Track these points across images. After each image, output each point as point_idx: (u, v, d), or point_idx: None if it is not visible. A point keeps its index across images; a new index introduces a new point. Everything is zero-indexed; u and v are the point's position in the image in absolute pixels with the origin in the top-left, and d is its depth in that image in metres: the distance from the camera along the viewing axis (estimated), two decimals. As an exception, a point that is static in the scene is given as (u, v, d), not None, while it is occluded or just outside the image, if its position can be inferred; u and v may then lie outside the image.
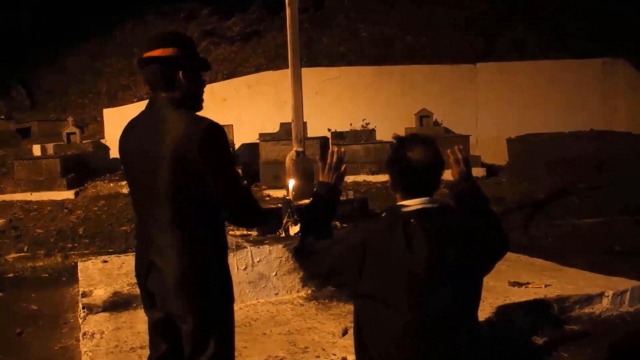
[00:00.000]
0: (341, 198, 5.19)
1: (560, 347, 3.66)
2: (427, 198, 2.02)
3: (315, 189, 2.27)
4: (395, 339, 1.96)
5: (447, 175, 2.26)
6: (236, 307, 4.11)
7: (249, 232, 4.60)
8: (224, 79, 13.04)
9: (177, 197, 2.02)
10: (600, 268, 4.90)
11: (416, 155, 2.00)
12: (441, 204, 2.06)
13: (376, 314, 1.99)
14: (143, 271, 2.14)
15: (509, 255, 5.19)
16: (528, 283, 4.39)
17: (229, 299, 2.19)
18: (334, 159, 2.23)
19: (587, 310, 4.10)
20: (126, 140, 2.18)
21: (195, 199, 2.03)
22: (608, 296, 4.17)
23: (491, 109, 11.81)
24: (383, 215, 2.09)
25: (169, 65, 2.07)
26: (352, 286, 2.04)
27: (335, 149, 2.30)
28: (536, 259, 5.21)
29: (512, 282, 4.41)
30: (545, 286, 4.31)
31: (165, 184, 2.01)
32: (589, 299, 4.14)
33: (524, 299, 4.06)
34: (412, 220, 1.96)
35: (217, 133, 2.02)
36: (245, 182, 9.68)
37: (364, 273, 1.96)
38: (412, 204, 2.01)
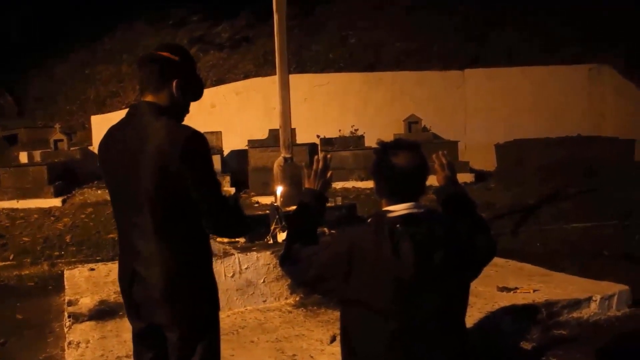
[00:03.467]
0: (329, 204, 5.17)
1: (548, 352, 3.66)
2: (412, 203, 2.01)
3: (300, 196, 2.25)
4: (383, 346, 1.94)
5: (433, 180, 2.26)
6: (224, 314, 4.12)
7: (237, 239, 4.58)
8: (212, 85, 13.00)
9: (159, 204, 1.99)
10: (588, 272, 4.94)
11: (400, 161, 1.99)
12: (427, 209, 2.05)
13: (363, 320, 1.97)
14: (127, 281, 2.12)
15: (498, 260, 5.22)
16: (516, 288, 4.40)
17: (215, 307, 2.17)
18: (320, 166, 2.21)
19: (575, 314, 4.12)
20: (107, 148, 2.15)
21: (177, 207, 2.01)
22: (596, 300, 4.19)
23: (480, 115, 11.86)
24: (369, 220, 2.08)
25: (168, 69, 2.07)
26: (339, 293, 2.02)
27: (322, 155, 2.28)
28: (525, 264, 5.22)
29: (501, 287, 4.41)
30: (534, 291, 4.32)
31: (147, 192, 1.98)
32: (577, 304, 4.16)
33: (512, 304, 4.06)
34: (398, 226, 1.95)
35: (200, 141, 2.01)
36: (234, 189, 9.66)
37: (350, 279, 1.94)
38: (398, 209, 2.00)
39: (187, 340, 2.04)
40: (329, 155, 2.28)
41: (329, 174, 2.24)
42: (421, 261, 1.91)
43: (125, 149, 2.04)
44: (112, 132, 2.16)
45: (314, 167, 2.22)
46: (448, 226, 2.04)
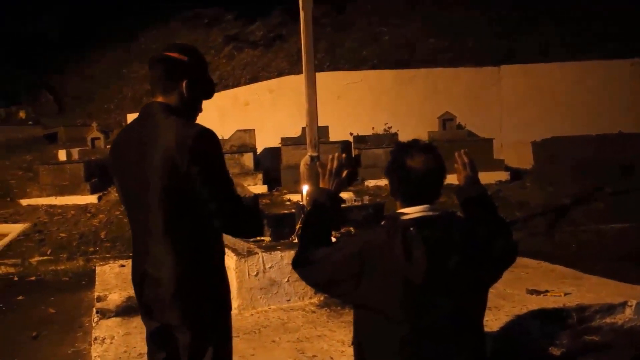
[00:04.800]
0: (357, 203, 5.09)
1: (579, 358, 3.53)
2: (427, 206, 1.96)
3: (314, 197, 2.21)
4: (394, 353, 1.89)
5: (454, 180, 2.19)
6: (247, 313, 4.12)
7: (262, 238, 4.57)
8: (246, 83, 13.10)
9: (170, 204, 1.98)
10: (624, 276, 4.75)
11: (416, 163, 1.94)
12: (443, 212, 1.99)
13: (374, 325, 1.93)
14: (138, 282, 2.12)
15: (529, 261, 5.09)
16: (547, 291, 4.27)
17: (226, 308, 2.15)
18: (334, 165, 2.17)
19: (608, 320, 3.95)
20: (118, 148, 2.16)
21: (187, 206, 1.99)
22: (631, 306, 4.00)
23: (516, 112, 11.58)
24: (382, 223, 2.02)
25: (177, 69, 2.06)
26: (351, 297, 1.98)
27: (336, 154, 2.24)
28: (557, 265, 5.07)
29: (531, 290, 4.29)
30: (565, 294, 4.18)
31: (157, 191, 1.97)
32: (610, 309, 3.98)
33: (542, 308, 3.93)
34: (411, 229, 1.90)
35: (209, 139, 1.98)
36: (267, 187, 9.70)
37: (362, 283, 1.90)
38: (412, 212, 1.95)
39: (197, 341, 2.03)
40: (343, 155, 2.24)
41: (344, 174, 2.19)
42: (433, 266, 1.85)
43: (136, 148, 2.04)
44: (125, 132, 2.18)
45: (328, 166, 2.18)
46: (464, 230, 1.98)
